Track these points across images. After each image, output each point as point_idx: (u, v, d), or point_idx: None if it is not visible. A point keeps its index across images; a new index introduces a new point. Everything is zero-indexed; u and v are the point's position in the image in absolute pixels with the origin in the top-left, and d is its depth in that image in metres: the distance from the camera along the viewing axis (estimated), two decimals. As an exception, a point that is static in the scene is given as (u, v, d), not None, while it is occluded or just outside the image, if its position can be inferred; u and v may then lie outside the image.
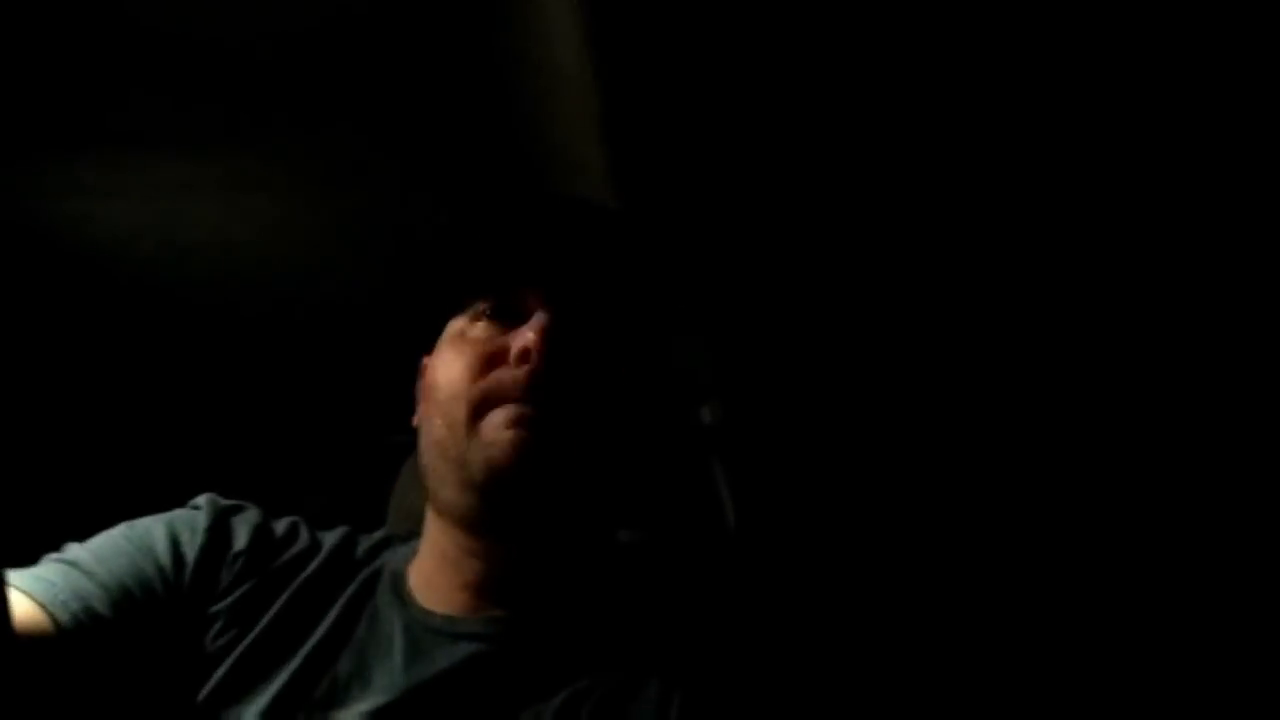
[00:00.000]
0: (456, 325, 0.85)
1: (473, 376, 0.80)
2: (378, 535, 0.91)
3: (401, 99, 0.98)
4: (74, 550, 0.80)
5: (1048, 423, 1.15)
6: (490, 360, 0.80)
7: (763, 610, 0.88)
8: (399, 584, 0.84)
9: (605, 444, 0.81)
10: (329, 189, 1.10)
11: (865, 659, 0.90)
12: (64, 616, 0.74)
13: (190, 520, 0.85)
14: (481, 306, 0.83)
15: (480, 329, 0.82)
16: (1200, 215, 1.05)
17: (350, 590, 0.84)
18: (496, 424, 0.77)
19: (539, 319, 0.79)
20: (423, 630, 0.80)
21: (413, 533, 0.90)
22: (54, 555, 0.80)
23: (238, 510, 0.87)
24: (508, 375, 0.79)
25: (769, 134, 1.01)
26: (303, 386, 1.33)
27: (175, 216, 1.13)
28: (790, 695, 0.79)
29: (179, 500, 0.88)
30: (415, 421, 0.86)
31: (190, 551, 0.82)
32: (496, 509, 0.79)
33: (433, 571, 0.83)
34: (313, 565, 0.84)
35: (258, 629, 0.80)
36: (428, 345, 0.88)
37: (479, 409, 0.78)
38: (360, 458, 1.20)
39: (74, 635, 0.74)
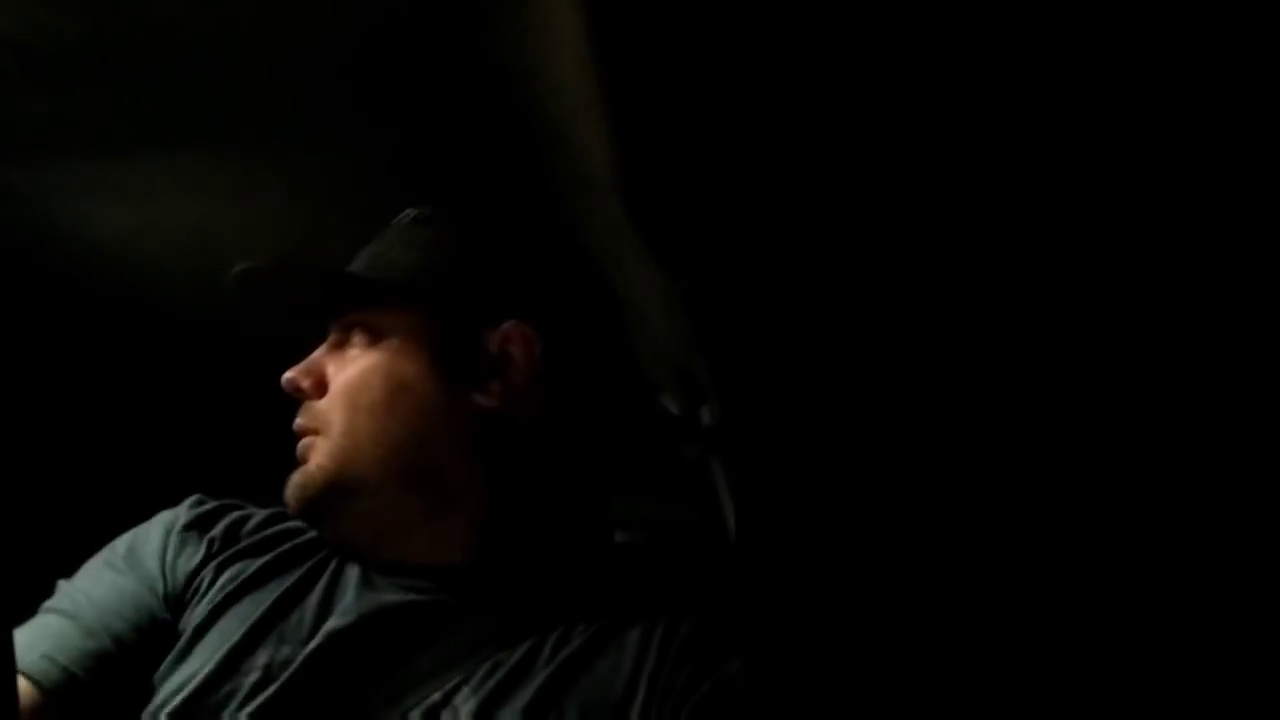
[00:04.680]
0: None
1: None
2: None
3: (404, 104, 0.98)
4: (74, 599, 0.84)
5: (1049, 418, 1.15)
6: None
7: (761, 608, 0.88)
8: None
9: (408, 448, 0.86)
10: (329, 193, 1.10)
11: (864, 659, 0.90)
12: (84, 677, 0.80)
13: (172, 522, 0.89)
14: None
15: None
16: (1201, 216, 1.05)
17: (320, 554, 0.89)
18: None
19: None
20: (378, 572, 0.86)
21: None
22: (58, 606, 0.84)
23: (220, 504, 0.92)
24: None
25: (771, 136, 1.01)
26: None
27: (174, 218, 1.13)
28: (786, 692, 0.79)
29: (170, 501, 0.90)
30: None
31: (172, 554, 0.87)
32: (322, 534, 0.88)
33: None
34: (289, 542, 0.89)
35: (231, 586, 0.85)
36: None
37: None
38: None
39: (89, 686, 0.80)
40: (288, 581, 0.85)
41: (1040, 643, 1.11)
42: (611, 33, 0.86)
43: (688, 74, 0.92)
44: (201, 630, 0.82)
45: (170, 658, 0.82)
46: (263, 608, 0.83)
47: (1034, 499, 1.15)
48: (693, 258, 1.10)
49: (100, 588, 0.84)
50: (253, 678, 0.78)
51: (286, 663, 0.79)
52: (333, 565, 0.87)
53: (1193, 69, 0.91)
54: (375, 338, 0.88)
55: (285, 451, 0.87)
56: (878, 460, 1.20)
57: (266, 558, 0.87)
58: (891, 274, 1.15)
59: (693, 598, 0.85)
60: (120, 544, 0.88)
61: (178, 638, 0.83)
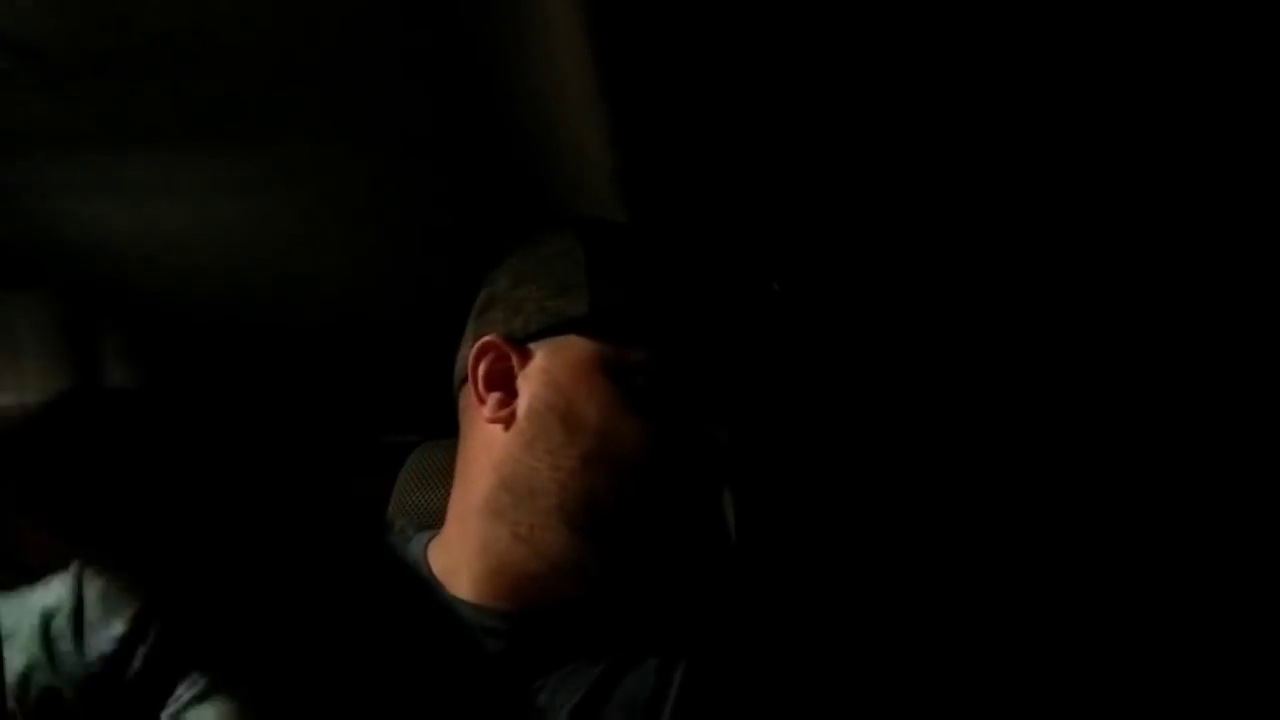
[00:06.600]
0: (607, 356, 0.78)
1: (663, 453, 0.77)
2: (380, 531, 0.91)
3: (405, 103, 0.98)
4: None
5: (1051, 430, 1.15)
6: (679, 437, 0.77)
7: (763, 617, 0.88)
8: (418, 571, 0.83)
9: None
10: (328, 193, 1.10)
11: (864, 665, 0.90)
12: None
13: None
14: (670, 363, 0.78)
15: (663, 391, 0.77)
16: (1201, 216, 1.05)
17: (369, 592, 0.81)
18: (683, 518, 0.79)
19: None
20: (449, 618, 0.79)
21: (417, 526, 0.91)
22: None
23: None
24: (706, 472, 0.79)
25: (771, 137, 1.01)
26: (300, 388, 1.33)
27: (174, 218, 1.13)
28: (785, 691, 0.79)
29: (172, 501, 0.89)
30: (499, 415, 0.79)
31: None
32: (621, 574, 0.79)
33: (468, 560, 0.81)
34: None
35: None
36: (445, 343, 0.87)
37: (662, 489, 0.77)
38: (358, 459, 1.21)
39: None
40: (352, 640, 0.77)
41: (1041, 646, 1.11)
42: (612, 30, 0.86)
43: (688, 73, 0.92)
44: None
45: None
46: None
47: (1037, 497, 1.15)
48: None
49: None
50: None
51: None
52: (389, 598, 0.81)
53: (1193, 69, 0.91)
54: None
55: (284, 451, 0.86)
56: (877, 461, 1.20)
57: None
58: (892, 276, 1.15)
59: (694, 601, 0.85)
60: None
61: None
